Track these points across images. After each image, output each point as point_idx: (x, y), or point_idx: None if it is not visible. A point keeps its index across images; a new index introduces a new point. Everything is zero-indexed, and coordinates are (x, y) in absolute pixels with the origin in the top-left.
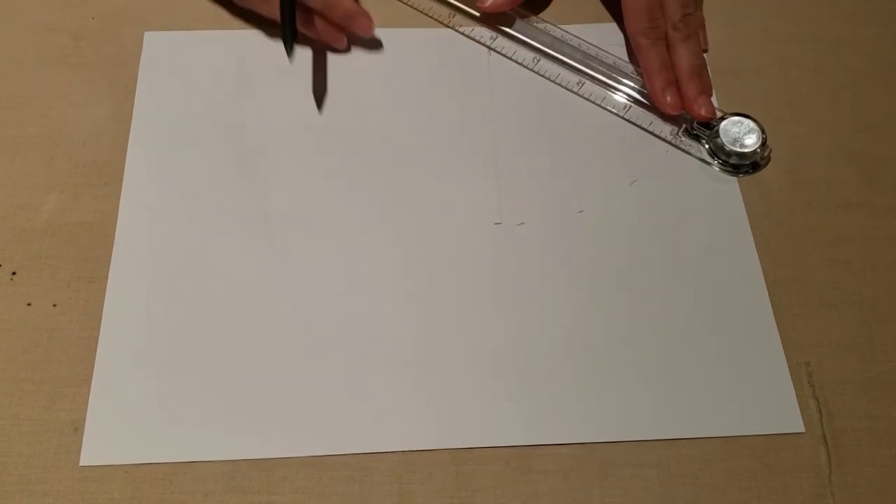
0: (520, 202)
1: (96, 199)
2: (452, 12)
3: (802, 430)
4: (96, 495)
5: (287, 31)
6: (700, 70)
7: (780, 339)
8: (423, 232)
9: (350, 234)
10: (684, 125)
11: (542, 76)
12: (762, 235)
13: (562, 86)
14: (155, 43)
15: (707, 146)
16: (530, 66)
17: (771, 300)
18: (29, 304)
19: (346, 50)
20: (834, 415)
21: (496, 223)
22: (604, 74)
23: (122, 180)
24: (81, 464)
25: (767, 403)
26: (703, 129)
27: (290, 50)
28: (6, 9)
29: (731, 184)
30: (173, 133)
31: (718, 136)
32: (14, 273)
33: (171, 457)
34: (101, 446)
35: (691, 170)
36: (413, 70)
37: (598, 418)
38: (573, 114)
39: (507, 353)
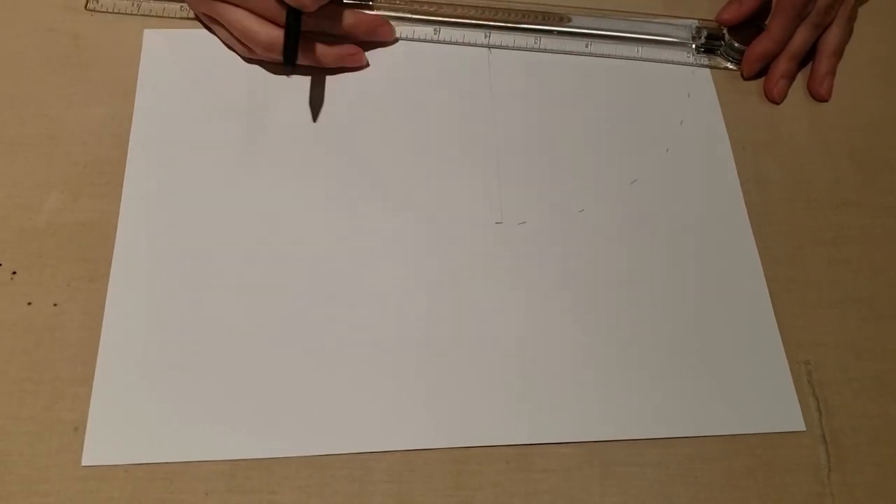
0: (521, 201)
1: (97, 199)
2: (437, 27)
3: (803, 428)
4: (97, 495)
5: (289, 51)
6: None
7: (780, 338)
8: (423, 232)
9: (350, 234)
10: (694, 45)
11: (547, 51)
12: (762, 235)
13: (570, 52)
14: (155, 41)
15: (723, 53)
16: (533, 48)
17: (771, 299)
18: (29, 304)
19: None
20: (833, 413)
21: (497, 223)
22: (606, 29)
23: (122, 179)
24: (83, 464)
25: (767, 402)
26: (713, 41)
27: (291, 62)
28: (7, 9)
29: (733, 183)
30: (174, 131)
31: (731, 41)
32: (14, 273)
33: (172, 456)
34: (102, 446)
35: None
36: (413, 70)
37: (599, 417)
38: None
39: (506, 352)
